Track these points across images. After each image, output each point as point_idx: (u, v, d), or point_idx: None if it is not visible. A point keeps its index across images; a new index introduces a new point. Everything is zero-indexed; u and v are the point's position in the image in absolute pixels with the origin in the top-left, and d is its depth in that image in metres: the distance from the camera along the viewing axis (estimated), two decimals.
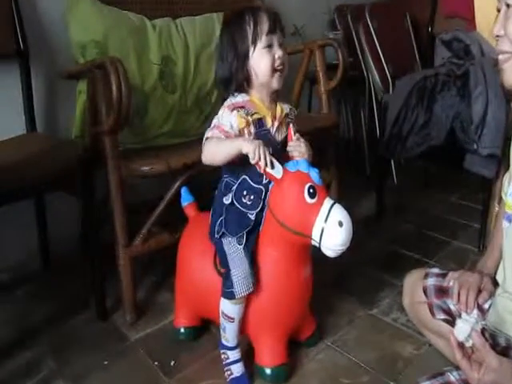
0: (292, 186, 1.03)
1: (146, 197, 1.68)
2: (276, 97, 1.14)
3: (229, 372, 1.19)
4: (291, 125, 1.13)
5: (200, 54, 1.71)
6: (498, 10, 0.88)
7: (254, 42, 1.06)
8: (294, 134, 1.11)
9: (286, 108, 1.15)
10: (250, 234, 1.10)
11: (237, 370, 1.19)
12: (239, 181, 1.10)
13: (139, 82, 1.54)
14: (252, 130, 1.07)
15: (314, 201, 1.01)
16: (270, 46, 1.07)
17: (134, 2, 1.74)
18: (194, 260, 1.25)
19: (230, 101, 1.09)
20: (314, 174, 1.04)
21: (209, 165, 1.10)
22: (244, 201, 1.09)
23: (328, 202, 1.02)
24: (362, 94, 2.43)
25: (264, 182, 1.09)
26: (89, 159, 1.38)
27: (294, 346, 1.28)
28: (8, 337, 1.41)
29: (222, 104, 1.11)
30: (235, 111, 1.06)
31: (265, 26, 1.06)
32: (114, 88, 1.24)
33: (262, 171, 1.01)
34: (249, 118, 1.06)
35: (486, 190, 1.75)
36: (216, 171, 1.17)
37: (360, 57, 2.23)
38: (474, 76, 1.71)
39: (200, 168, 1.39)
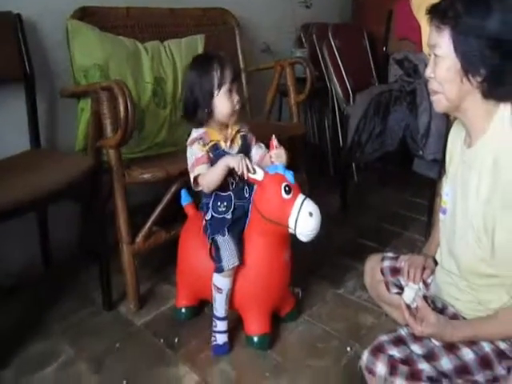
0: (271, 185, 1.26)
1: (137, 200, 1.83)
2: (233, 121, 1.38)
3: (214, 338, 1.43)
4: (273, 136, 1.34)
5: (186, 73, 1.91)
6: (429, 55, 1.04)
7: (219, 86, 1.32)
8: (277, 145, 1.34)
9: (237, 126, 1.39)
10: (233, 225, 1.36)
11: (221, 338, 1.43)
12: (212, 197, 1.38)
13: (136, 100, 1.72)
14: (210, 154, 1.33)
15: (289, 197, 1.24)
16: (230, 92, 1.33)
17: (124, 26, 1.93)
18: (193, 250, 1.48)
19: (190, 137, 1.36)
20: (289, 175, 1.27)
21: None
22: (220, 209, 1.38)
23: (300, 197, 1.25)
24: (326, 104, 2.64)
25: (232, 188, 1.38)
26: (95, 169, 1.56)
27: (277, 322, 1.52)
28: (21, 330, 1.53)
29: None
30: (196, 144, 1.33)
31: (229, 75, 1.32)
32: (122, 108, 1.43)
33: (246, 178, 1.26)
34: (206, 147, 1.33)
35: (431, 188, 1.98)
36: None
37: (324, 71, 2.44)
38: (420, 93, 1.98)
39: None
